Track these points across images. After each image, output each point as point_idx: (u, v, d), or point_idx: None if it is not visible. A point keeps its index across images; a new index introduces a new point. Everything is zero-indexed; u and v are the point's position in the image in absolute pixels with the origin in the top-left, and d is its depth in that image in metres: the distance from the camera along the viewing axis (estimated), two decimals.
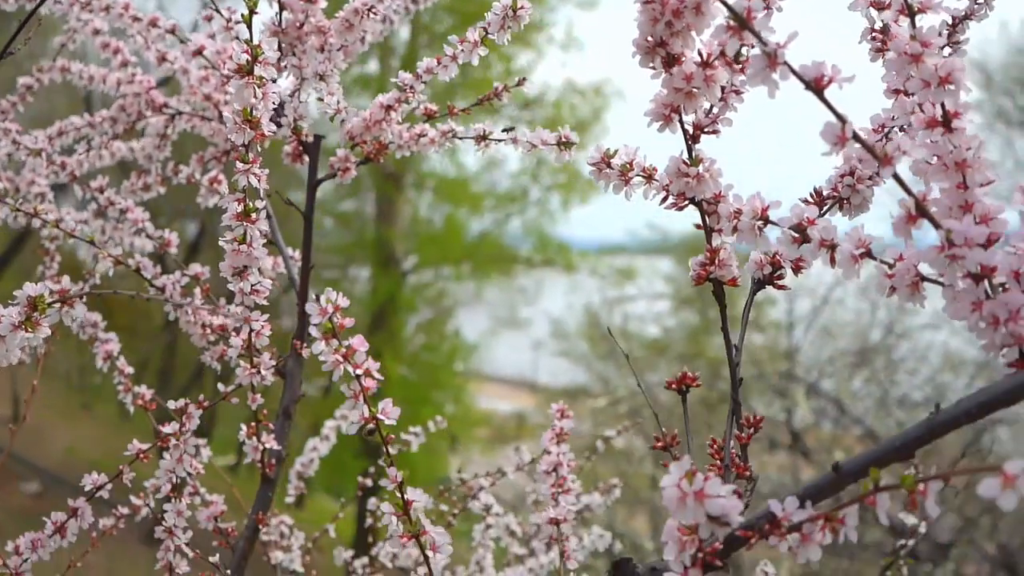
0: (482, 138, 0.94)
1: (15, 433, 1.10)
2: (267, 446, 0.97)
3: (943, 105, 0.53)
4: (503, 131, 0.96)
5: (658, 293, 9.41)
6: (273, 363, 0.90)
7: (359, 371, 0.62)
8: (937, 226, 0.51)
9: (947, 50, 0.72)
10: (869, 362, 6.57)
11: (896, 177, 0.51)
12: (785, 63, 0.50)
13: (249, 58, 0.69)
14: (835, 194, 0.68)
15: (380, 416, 0.62)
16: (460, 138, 0.96)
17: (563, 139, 0.83)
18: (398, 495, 0.64)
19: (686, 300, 9.74)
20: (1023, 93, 8.85)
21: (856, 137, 0.50)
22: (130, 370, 1.09)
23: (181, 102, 1.24)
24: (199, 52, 1.03)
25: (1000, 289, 0.51)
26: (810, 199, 0.69)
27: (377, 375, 0.62)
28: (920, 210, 0.51)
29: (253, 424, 0.96)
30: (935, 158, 0.54)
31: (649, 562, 0.57)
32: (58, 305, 0.65)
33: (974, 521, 6.08)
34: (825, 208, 0.69)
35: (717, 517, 0.50)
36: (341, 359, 0.61)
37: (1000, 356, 0.51)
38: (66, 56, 1.31)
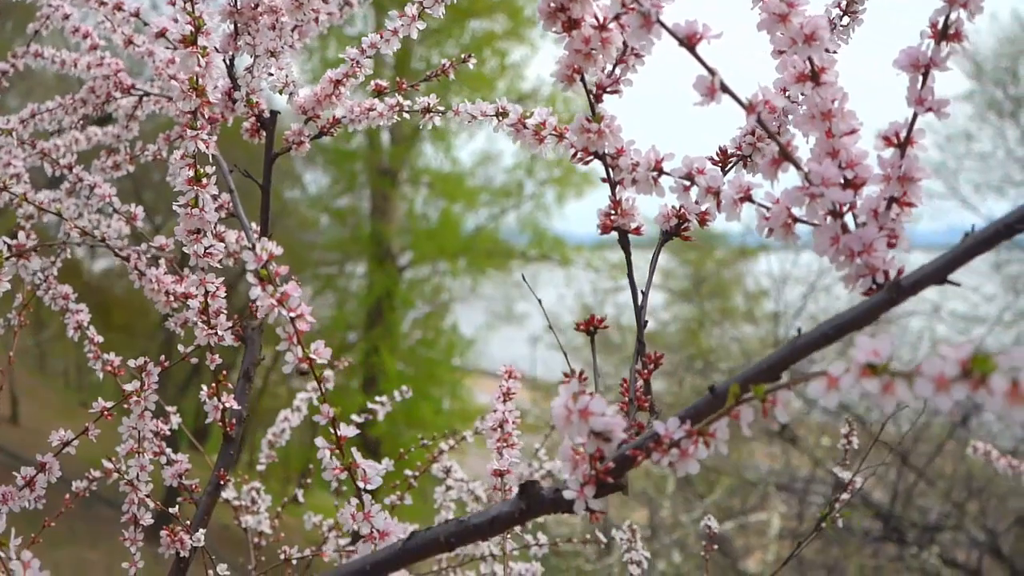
0: (427, 110, 1.00)
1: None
2: (227, 406, 1.02)
3: (811, 60, 0.59)
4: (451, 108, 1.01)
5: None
6: (230, 324, 0.95)
7: (293, 314, 0.67)
8: (799, 168, 0.56)
9: (846, 19, 0.77)
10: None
11: (760, 123, 0.56)
12: (659, 22, 0.55)
13: (193, 29, 0.74)
14: (739, 152, 0.74)
15: (313, 356, 0.68)
16: (408, 111, 1.01)
17: (500, 110, 0.88)
18: (331, 431, 0.70)
19: (680, 293, 9.80)
20: (1014, 83, 8.89)
21: (724, 88, 0.55)
22: (100, 339, 1.14)
23: (154, 86, 1.29)
24: (162, 34, 1.08)
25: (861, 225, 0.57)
26: (715, 157, 0.74)
27: (310, 318, 0.67)
28: (784, 154, 0.56)
29: (214, 384, 1.01)
30: (805, 109, 0.59)
31: (553, 485, 0.62)
32: (14, 259, 0.70)
33: (961, 506, 6.15)
34: (730, 165, 0.74)
35: (601, 433, 0.55)
36: (276, 303, 0.66)
37: (857, 285, 0.56)
38: (40, 43, 1.36)
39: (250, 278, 0.67)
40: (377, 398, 1.48)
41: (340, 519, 0.69)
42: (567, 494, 0.59)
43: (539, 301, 0.85)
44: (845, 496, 1.11)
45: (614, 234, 0.73)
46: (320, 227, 12.14)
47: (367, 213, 11.84)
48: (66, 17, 1.25)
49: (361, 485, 0.69)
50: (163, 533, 1.01)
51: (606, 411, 0.55)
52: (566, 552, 5.99)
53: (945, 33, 0.57)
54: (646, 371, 0.68)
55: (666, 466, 0.57)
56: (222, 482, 1.04)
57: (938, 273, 0.52)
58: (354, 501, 0.69)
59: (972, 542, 5.98)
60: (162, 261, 1.09)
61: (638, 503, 6.46)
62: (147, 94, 1.24)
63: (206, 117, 0.79)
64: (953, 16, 0.57)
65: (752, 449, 7.15)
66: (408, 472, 1.36)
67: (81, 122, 1.24)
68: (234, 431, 1.04)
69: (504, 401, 1.01)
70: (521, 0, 10.90)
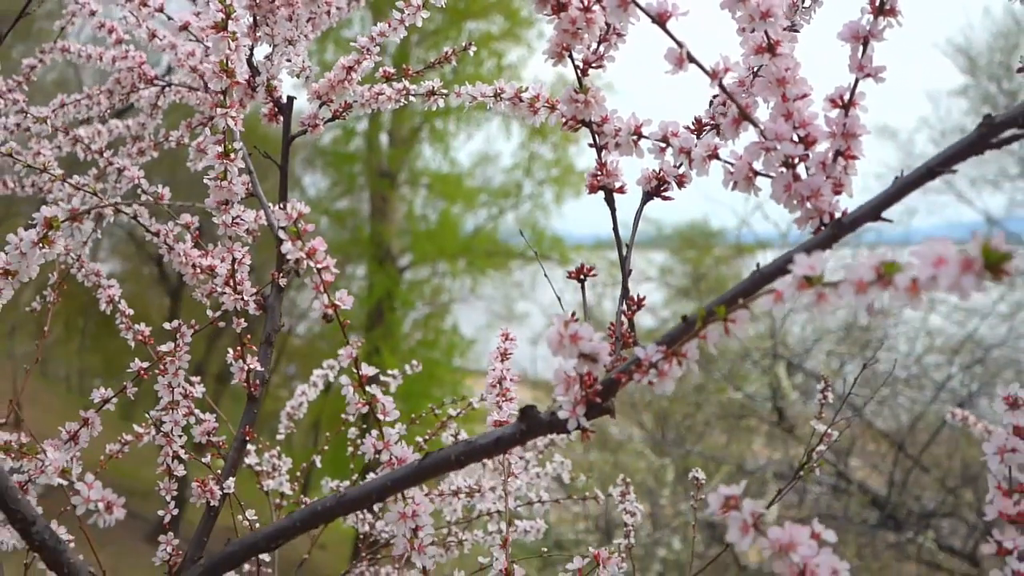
0: (431, 93, 1.09)
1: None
2: (252, 367, 1.11)
3: (767, 34, 0.68)
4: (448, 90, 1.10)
5: (647, 277, 9.54)
6: (254, 291, 1.05)
7: (320, 266, 0.76)
8: (756, 126, 0.66)
9: (808, 1, 0.86)
10: (853, 339, 6.73)
11: (722, 88, 0.65)
12: (634, 2, 0.64)
13: (224, 15, 0.83)
14: (711, 121, 0.83)
15: (338, 302, 0.77)
16: (413, 95, 1.11)
17: (498, 91, 0.97)
18: (354, 371, 0.79)
19: (680, 290, 9.89)
20: (1008, 78, 8.98)
21: (690, 58, 0.64)
22: (131, 311, 1.23)
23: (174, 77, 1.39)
24: (185, 27, 1.17)
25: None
26: (691, 126, 0.83)
27: (334, 269, 0.76)
28: (743, 115, 0.66)
29: (239, 348, 1.10)
30: (763, 78, 0.68)
31: (550, 408, 0.72)
32: (69, 222, 0.79)
33: (956, 492, 6.23)
34: (704, 132, 0.83)
35: (588, 354, 0.64)
36: (305, 256, 0.76)
37: (807, 226, 0.66)
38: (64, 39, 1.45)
39: (281, 234, 0.76)
40: (389, 371, 1.57)
41: (363, 449, 0.78)
42: (561, 414, 0.68)
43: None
44: (821, 447, 1.20)
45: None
46: (320, 229, 12.22)
47: (367, 215, 11.92)
48: (92, 13, 1.34)
49: (380, 418, 0.78)
50: (194, 484, 1.10)
51: (593, 336, 0.64)
52: (567, 542, 6.08)
53: (882, 8, 0.66)
54: (630, 311, 0.77)
55: (647, 384, 0.66)
56: (248, 438, 1.13)
57: (873, 211, 0.61)
58: (375, 432, 0.79)
59: (967, 527, 6.08)
60: (187, 236, 1.18)
61: (639, 493, 6.55)
62: (169, 84, 1.33)
63: (235, 96, 0.88)
64: None
65: (751, 440, 7.24)
66: (419, 438, 1.45)
67: (108, 111, 1.33)
68: (257, 391, 1.13)
69: (502, 360, 1.10)
70: (517, 1, 11.00)
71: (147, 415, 1.21)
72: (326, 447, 1.55)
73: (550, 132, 11.35)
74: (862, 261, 0.48)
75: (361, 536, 1.50)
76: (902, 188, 0.60)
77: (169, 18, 1.22)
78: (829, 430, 1.18)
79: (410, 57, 10.29)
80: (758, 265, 0.65)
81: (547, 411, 0.71)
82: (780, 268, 0.64)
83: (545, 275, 1.12)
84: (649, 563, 5.76)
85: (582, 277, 0.81)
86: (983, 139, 0.59)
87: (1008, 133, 0.59)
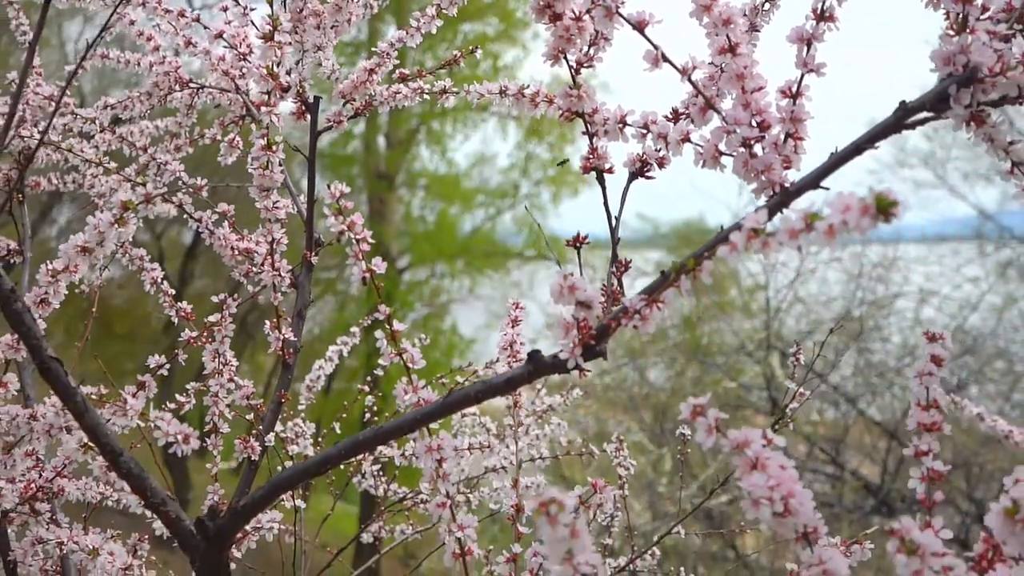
0: (443, 92, 1.23)
1: None
2: (286, 337, 1.25)
3: (728, 38, 0.82)
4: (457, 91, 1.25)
5: (644, 273, 9.68)
6: (290, 268, 1.19)
7: (358, 236, 0.90)
8: (719, 114, 0.80)
9: (767, 5, 1.00)
10: (846, 330, 6.88)
11: (691, 83, 0.79)
12: (618, 12, 0.79)
13: (271, 27, 0.97)
14: (685, 110, 0.97)
15: (373, 267, 0.91)
16: (427, 94, 1.25)
17: (503, 88, 1.12)
18: (387, 326, 0.93)
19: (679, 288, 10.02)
20: None
21: (664, 58, 0.79)
22: (172, 291, 1.37)
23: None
24: (219, 35, 1.31)
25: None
26: (669, 115, 0.97)
27: (371, 240, 0.90)
28: (708, 104, 0.80)
29: (275, 320, 1.24)
30: (723, 73, 0.83)
31: (552, 352, 0.86)
32: (144, 204, 0.93)
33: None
34: (680, 120, 0.97)
35: (583, 302, 0.78)
36: (346, 228, 0.90)
37: (763, 196, 0.80)
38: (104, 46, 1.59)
39: (326, 210, 0.90)
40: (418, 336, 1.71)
41: (395, 393, 0.93)
42: (562, 355, 0.82)
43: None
44: (794, 405, 1.34)
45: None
46: (317, 232, 12.34)
47: (365, 217, 12.04)
48: (132, 23, 1.48)
49: (410, 366, 0.93)
50: (236, 442, 1.24)
51: (587, 287, 0.78)
52: None
53: (823, 15, 0.80)
54: (619, 272, 0.91)
55: (633, 328, 0.80)
56: (283, 400, 1.27)
57: (813, 181, 0.76)
58: (404, 379, 0.93)
59: (958, 512, 6.23)
60: (225, 223, 1.32)
61: (639, 485, 6.70)
62: (202, 87, 1.47)
63: (278, 96, 1.02)
64: (828, 3, 0.80)
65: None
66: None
67: (147, 112, 1.47)
68: (291, 359, 1.28)
69: (512, 326, 1.24)
70: (513, 3, 11.15)
71: (186, 387, 1.36)
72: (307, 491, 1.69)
73: (546, 132, 11.48)
74: (793, 214, 0.63)
75: (379, 500, 1.64)
76: (836, 162, 0.75)
77: (205, 27, 1.36)
78: (801, 390, 1.32)
79: (407, 57, 10.43)
80: (722, 227, 0.79)
81: (551, 355, 0.85)
82: (736, 226, 0.78)
83: (559, 261, 1.26)
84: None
85: (578, 245, 0.95)
86: (898, 121, 0.73)
87: (919, 116, 0.73)
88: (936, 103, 0.72)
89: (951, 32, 0.73)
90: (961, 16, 0.72)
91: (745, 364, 7.36)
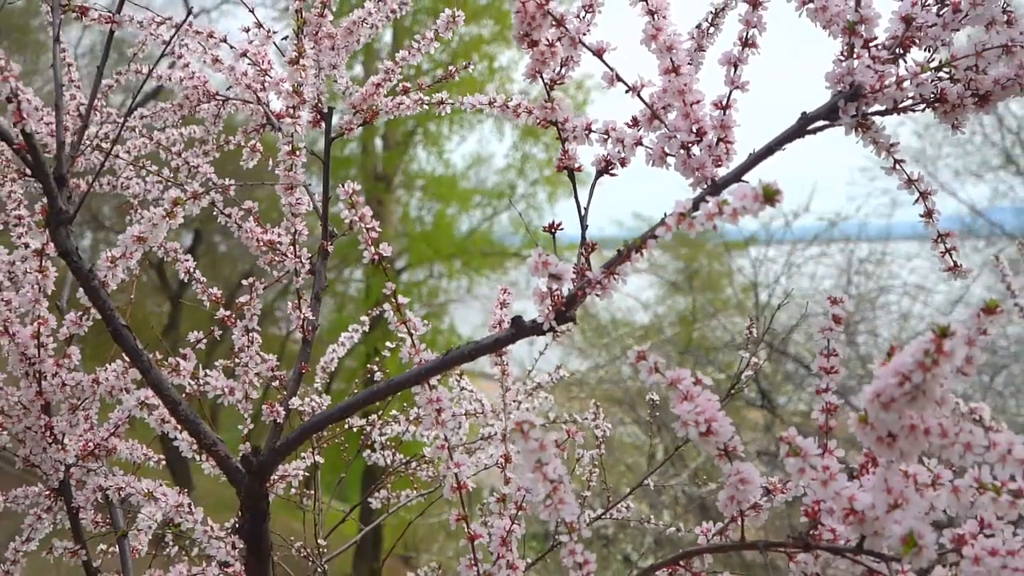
0: (441, 103, 1.42)
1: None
2: (306, 316, 1.44)
3: (671, 60, 1.01)
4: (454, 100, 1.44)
5: (641, 270, 9.85)
6: (310, 255, 1.38)
7: (368, 225, 1.09)
8: (662, 123, 0.99)
9: (712, 28, 1.20)
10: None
11: (640, 98, 0.99)
12: (581, 42, 0.98)
13: (297, 53, 1.16)
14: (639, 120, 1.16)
15: (381, 251, 1.10)
16: (427, 104, 1.44)
17: (491, 100, 1.31)
18: (393, 300, 1.12)
19: (673, 286, 10.25)
20: None
21: (618, 78, 0.98)
22: (204, 280, 1.56)
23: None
24: (244, 54, 1.50)
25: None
26: (629, 123, 1.16)
27: (379, 228, 1.10)
28: (654, 115, 0.99)
29: (296, 302, 1.44)
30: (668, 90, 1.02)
31: (532, 317, 1.05)
32: (192, 200, 1.12)
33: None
34: (637, 127, 1.16)
35: (555, 275, 0.97)
36: (358, 219, 1.09)
37: (699, 188, 0.99)
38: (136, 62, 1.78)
39: (342, 203, 1.09)
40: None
41: (401, 354, 1.12)
42: (538, 319, 1.02)
43: None
44: (748, 373, 1.53)
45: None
46: (315, 235, 12.51)
47: None
48: (165, 43, 1.67)
49: (413, 332, 1.12)
50: (264, 406, 1.43)
51: (559, 262, 0.97)
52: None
53: (746, 42, 1.00)
54: (587, 251, 1.10)
55: (597, 295, 0.99)
56: (303, 371, 1.46)
57: (734, 177, 0.95)
58: (408, 342, 1.12)
59: None
60: (251, 218, 1.51)
61: (633, 476, 6.90)
62: (228, 99, 1.66)
63: (303, 109, 1.22)
64: (751, 32, 0.99)
65: (740, 420, 7.57)
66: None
67: (180, 121, 1.66)
68: (311, 336, 1.47)
69: (501, 308, 1.43)
70: (507, 5, 11.32)
71: (214, 364, 1.54)
72: (326, 445, 1.89)
73: (542, 133, 11.67)
74: (711, 202, 0.82)
75: (385, 468, 1.83)
76: (753, 161, 0.94)
77: (231, 47, 1.55)
78: (755, 359, 1.51)
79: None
80: (665, 215, 0.98)
81: (531, 320, 1.05)
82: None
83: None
84: (641, 537, 6.10)
85: (553, 231, 1.15)
86: (800, 128, 0.92)
87: (818, 124, 0.92)
88: (828, 113, 0.91)
89: (841, 57, 0.92)
90: (848, 45, 0.92)
91: (736, 358, 7.57)
